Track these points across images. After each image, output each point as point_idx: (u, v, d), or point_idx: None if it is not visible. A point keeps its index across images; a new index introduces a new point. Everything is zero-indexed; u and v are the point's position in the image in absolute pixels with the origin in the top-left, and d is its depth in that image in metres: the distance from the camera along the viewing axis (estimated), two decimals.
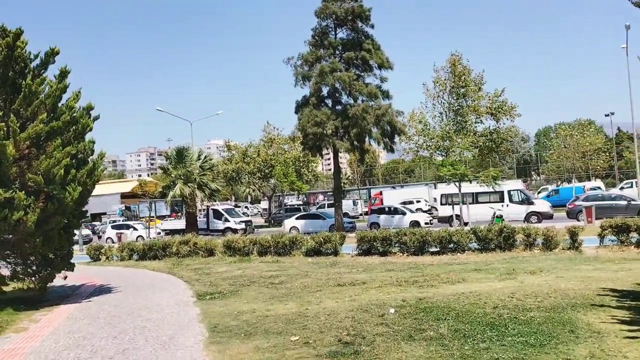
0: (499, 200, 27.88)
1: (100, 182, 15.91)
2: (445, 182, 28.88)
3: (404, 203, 38.89)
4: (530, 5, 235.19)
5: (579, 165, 54.89)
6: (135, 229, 36.78)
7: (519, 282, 10.68)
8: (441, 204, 30.72)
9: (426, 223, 29.38)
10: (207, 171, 32.97)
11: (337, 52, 28.13)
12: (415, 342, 6.77)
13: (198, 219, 34.08)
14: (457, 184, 25.94)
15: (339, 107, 28.18)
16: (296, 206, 50.54)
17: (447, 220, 28.58)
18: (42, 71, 12.32)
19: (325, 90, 28.19)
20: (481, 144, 32.84)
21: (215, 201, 39.84)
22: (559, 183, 54.51)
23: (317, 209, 45.75)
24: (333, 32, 28.52)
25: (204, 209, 37.30)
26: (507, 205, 27.60)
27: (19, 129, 10.75)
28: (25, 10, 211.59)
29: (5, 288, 12.41)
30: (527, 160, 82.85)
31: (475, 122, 33.49)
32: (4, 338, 8.70)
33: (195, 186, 30.96)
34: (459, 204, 26.90)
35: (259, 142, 47.87)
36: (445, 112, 33.67)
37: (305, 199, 61.08)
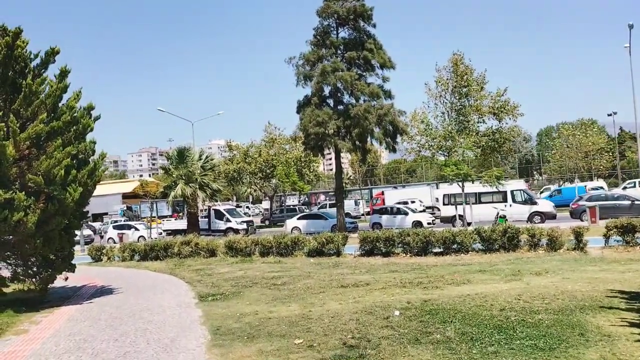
0: (502, 200, 27.71)
1: (101, 182, 15.82)
2: (448, 182, 28.72)
3: (398, 203, 38.25)
4: (531, 5, 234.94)
5: (581, 165, 54.70)
6: (136, 229, 36.71)
7: (525, 283, 10.55)
8: (443, 204, 30.57)
9: (429, 223, 29.25)
10: (208, 171, 32.86)
11: (339, 51, 27.96)
12: (422, 345, 6.65)
13: (199, 219, 33.99)
14: (460, 184, 25.80)
15: (340, 107, 28.03)
16: (291, 207, 50.11)
17: (450, 220, 28.45)
18: (43, 71, 12.21)
19: (327, 90, 28.04)
20: (483, 143, 32.67)
21: (216, 201, 39.74)
22: (561, 183, 54.32)
23: (319, 209, 45.61)
24: (335, 32, 28.35)
25: (205, 209, 37.19)
26: (510, 206, 27.42)
27: (19, 129, 10.64)
28: (26, 10, 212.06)
29: (5, 289, 12.31)
30: (529, 160, 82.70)
31: (478, 122, 33.34)
32: (4, 340, 8.60)
33: (197, 186, 30.85)
34: (461, 204, 26.76)
35: (261, 142, 47.75)
36: (448, 111, 33.50)
37: (306, 199, 60.93)
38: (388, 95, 27.90)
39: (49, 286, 12.74)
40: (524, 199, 28.00)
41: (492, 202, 27.77)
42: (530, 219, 26.62)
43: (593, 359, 5.76)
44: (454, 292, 10.00)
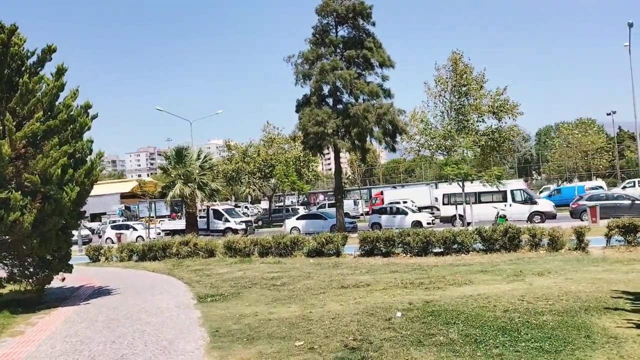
0: (501, 200, 27.60)
1: (99, 182, 15.69)
2: (448, 181, 28.60)
3: (391, 203, 37.57)
4: (531, 5, 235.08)
5: (580, 164, 54.66)
6: (135, 229, 36.53)
7: (527, 284, 10.43)
8: (443, 203, 30.45)
9: (428, 223, 29.13)
10: (207, 171, 32.69)
11: (338, 50, 27.83)
12: (425, 347, 6.53)
13: (198, 219, 33.81)
14: (460, 183, 25.69)
15: (340, 106, 27.90)
16: (287, 207, 49.66)
17: (450, 220, 28.35)
18: (39, 69, 12.06)
19: (326, 89, 27.91)
20: (483, 143, 32.58)
21: (215, 201, 39.52)
22: (560, 182, 54.27)
23: (318, 209, 45.42)
24: (334, 30, 28.22)
25: (204, 209, 37.00)
26: (510, 205, 27.32)
27: (15, 128, 10.47)
28: (26, 10, 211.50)
29: (1, 290, 12.19)
30: (528, 160, 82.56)
31: (477, 121, 33.25)
32: None
33: (195, 186, 30.66)
34: (461, 203, 26.65)
35: (259, 142, 47.59)
36: (447, 111, 33.40)
37: (305, 198, 60.75)
38: (387, 94, 27.77)
39: (45, 287, 12.59)
40: (524, 199, 27.90)
41: (492, 201, 27.66)
42: (530, 218, 26.53)
43: None
44: (456, 293, 9.88)
